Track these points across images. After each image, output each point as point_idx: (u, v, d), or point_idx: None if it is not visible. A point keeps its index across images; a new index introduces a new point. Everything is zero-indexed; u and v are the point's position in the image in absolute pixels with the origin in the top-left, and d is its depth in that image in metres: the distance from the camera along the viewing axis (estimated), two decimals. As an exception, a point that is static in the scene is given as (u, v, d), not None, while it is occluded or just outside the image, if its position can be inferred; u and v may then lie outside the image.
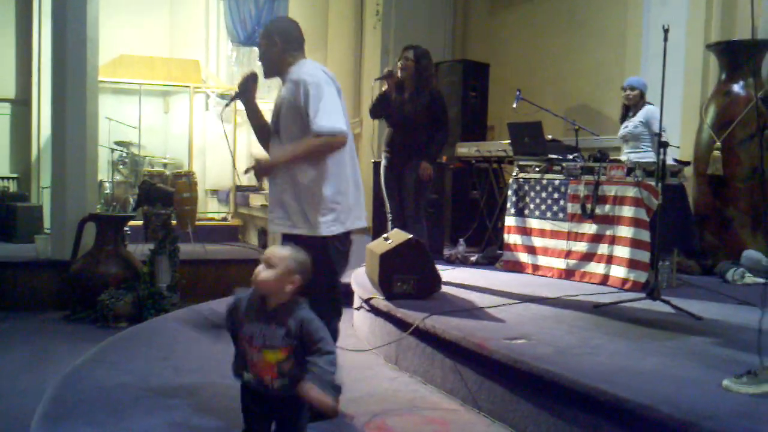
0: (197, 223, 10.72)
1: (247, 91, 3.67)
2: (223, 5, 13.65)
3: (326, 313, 3.55)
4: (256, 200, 12.19)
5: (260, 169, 3.56)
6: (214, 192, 13.58)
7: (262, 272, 2.66)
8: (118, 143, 12.28)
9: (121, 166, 12.29)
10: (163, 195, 8.58)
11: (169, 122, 13.59)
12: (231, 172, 12.97)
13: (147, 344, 5.33)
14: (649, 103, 6.23)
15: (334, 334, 3.63)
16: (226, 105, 4.17)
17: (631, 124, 6.28)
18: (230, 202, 13.04)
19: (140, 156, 12.46)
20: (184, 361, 4.78)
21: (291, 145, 3.46)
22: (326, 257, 3.44)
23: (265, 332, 2.65)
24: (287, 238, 3.55)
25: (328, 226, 3.45)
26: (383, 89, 5.91)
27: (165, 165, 12.56)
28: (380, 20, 10.87)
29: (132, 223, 9.05)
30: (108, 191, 11.90)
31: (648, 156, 6.03)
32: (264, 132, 3.75)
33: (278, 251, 2.74)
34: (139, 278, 7.86)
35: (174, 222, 8.54)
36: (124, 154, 12.30)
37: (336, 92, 3.44)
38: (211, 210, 13.43)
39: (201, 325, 4.05)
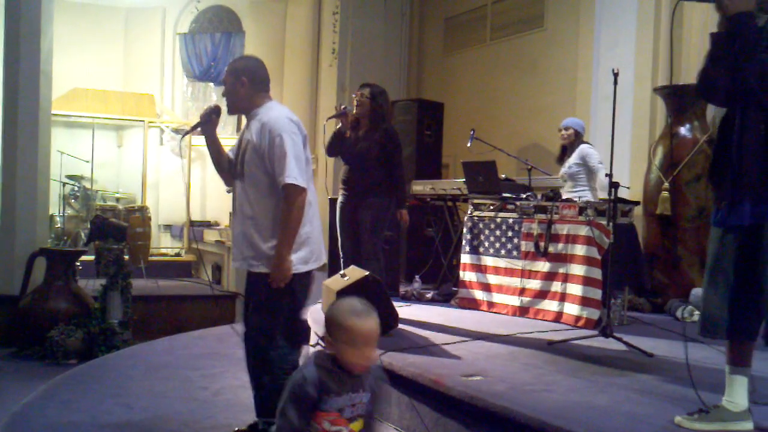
0: (150, 258, 10.60)
1: (209, 123, 3.70)
2: (179, 40, 13.66)
3: (286, 346, 3.59)
4: (210, 236, 12.11)
5: (280, 278, 3.52)
6: (168, 227, 13.45)
7: (373, 353, 2.42)
8: (70, 177, 12.11)
9: (72, 200, 12.12)
10: (116, 230, 8.48)
11: (122, 156, 13.46)
12: (185, 207, 12.88)
13: (98, 382, 5.25)
14: (585, 143, 6.41)
15: (294, 366, 3.64)
16: (186, 134, 4.16)
17: (567, 165, 6.45)
18: (184, 237, 12.93)
19: (92, 190, 12.31)
20: (136, 399, 4.72)
21: (278, 233, 3.50)
22: (291, 294, 3.52)
23: (354, 401, 2.43)
24: (253, 275, 3.60)
25: (294, 265, 3.50)
26: (338, 127, 5.95)
27: (118, 199, 12.42)
28: (336, 58, 11.00)
29: (83, 258, 8.92)
30: (59, 225, 11.72)
31: (585, 195, 6.20)
32: (222, 164, 3.78)
33: (375, 326, 2.41)
34: (90, 314, 7.74)
35: (126, 257, 8.44)
36: (76, 188, 12.14)
37: (301, 141, 3.51)
38: (164, 245, 13.28)
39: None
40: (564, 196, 6.33)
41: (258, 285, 3.60)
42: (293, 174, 3.38)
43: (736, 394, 3.00)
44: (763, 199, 2.84)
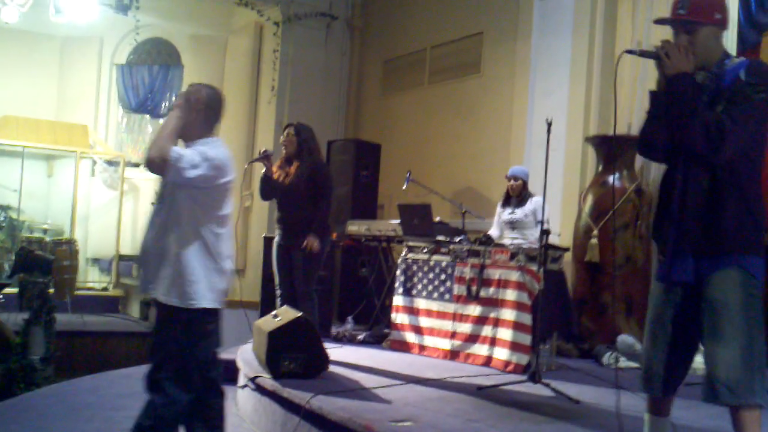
0: (76, 292, 10.32)
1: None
2: (116, 71, 13.50)
3: (202, 392, 3.46)
4: (140, 270, 11.86)
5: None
6: (96, 261, 13.14)
7: None
8: (-5, 206, 11.78)
9: (-3, 230, 11.77)
10: (42, 262, 8.24)
11: (52, 187, 13.14)
12: (114, 241, 12.59)
13: (16, 422, 5.07)
14: (533, 194, 6.51)
15: (218, 414, 3.56)
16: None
17: (521, 213, 6.51)
18: (112, 271, 12.64)
19: (19, 220, 11.97)
20: (57, 441, 4.57)
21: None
22: (190, 330, 3.40)
23: None
24: (157, 304, 3.48)
25: (195, 299, 3.39)
26: (263, 171, 5.98)
27: (45, 231, 12.09)
28: (275, 95, 11.01)
29: (6, 290, 8.64)
30: (-19, 256, 11.35)
31: (534, 243, 6.29)
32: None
33: None
34: (11, 349, 7.47)
35: (51, 291, 8.20)
36: (2, 218, 11.79)
37: (214, 174, 3.40)
38: (91, 279, 12.96)
39: None
40: (507, 242, 6.43)
41: (157, 319, 3.49)
42: (180, 157, 3.26)
43: None
44: (705, 254, 2.86)
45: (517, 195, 6.58)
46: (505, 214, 6.65)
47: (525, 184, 6.58)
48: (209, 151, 3.39)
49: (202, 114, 3.52)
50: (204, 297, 3.41)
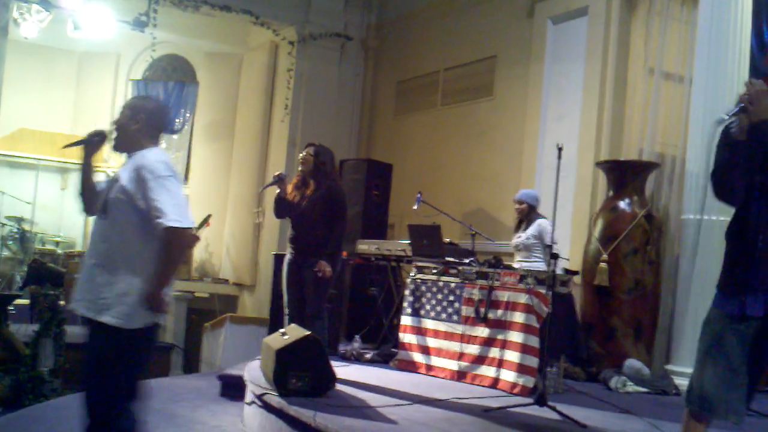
0: (87, 305, 10.36)
1: (92, 144, 3.66)
2: (132, 86, 13.62)
3: (129, 409, 3.29)
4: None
5: (155, 306, 3.27)
6: (107, 273, 13.20)
7: None
8: (9, 218, 11.88)
9: (10, 242, 11.86)
10: (54, 275, 8.32)
11: (65, 200, 13.25)
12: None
13: (24, 433, 5.10)
14: (542, 216, 6.58)
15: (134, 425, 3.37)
16: (72, 145, 3.93)
17: (524, 236, 6.65)
18: (123, 284, 12.67)
19: (32, 233, 12.06)
20: (63, 453, 4.60)
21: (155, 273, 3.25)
22: (131, 349, 3.27)
23: None
24: (88, 322, 3.30)
25: (135, 319, 3.24)
26: (278, 192, 6.03)
27: (58, 243, 12.18)
28: (288, 114, 11.09)
29: (18, 302, 8.69)
30: (-6, 267, 11.44)
31: (538, 266, 6.36)
32: (89, 189, 3.70)
33: None
34: (20, 361, 7.51)
35: (62, 303, 8.24)
36: (15, 230, 11.90)
37: (178, 183, 3.38)
38: (102, 292, 13.02)
39: None
40: (516, 265, 6.48)
41: (98, 339, 3.29)
42: (173, 216, 3.20)
43: None
44: None
45: (524, 218, 6.72)
46: (515, 237, 6.80)
47: (530, 207, 6.71)
48: (170, 187, 3.30)
49: (142, 125, 3.52)
50: (136, 315, 3.25)
